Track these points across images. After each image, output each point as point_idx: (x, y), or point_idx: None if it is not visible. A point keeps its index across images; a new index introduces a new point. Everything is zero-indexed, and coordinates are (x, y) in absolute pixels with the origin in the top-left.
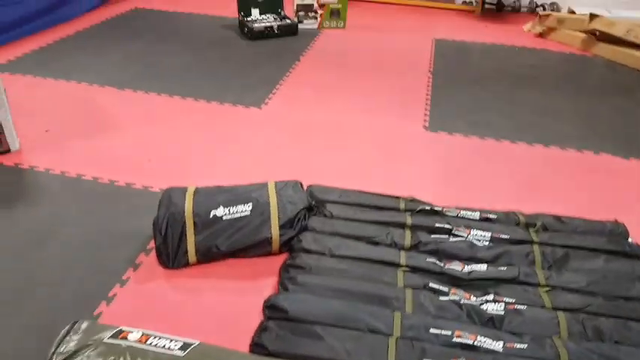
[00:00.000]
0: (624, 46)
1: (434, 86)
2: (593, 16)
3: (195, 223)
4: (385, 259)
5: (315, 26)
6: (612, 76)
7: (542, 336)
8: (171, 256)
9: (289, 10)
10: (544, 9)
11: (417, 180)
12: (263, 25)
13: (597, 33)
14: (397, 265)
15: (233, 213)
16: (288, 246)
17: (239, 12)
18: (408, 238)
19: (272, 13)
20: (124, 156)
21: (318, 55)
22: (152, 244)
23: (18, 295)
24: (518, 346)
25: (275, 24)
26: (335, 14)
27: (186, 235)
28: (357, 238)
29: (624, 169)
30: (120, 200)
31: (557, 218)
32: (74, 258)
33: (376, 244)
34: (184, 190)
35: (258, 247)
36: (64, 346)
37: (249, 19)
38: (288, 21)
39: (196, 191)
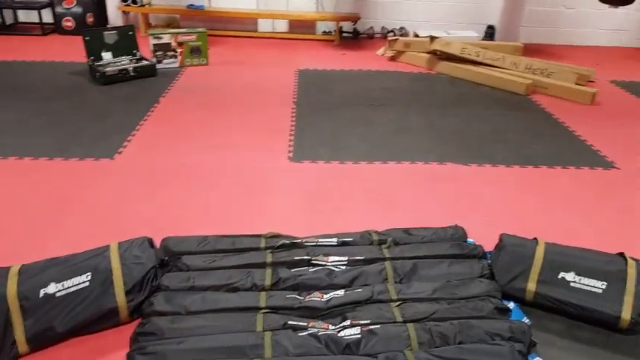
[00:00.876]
0: (461, 63)
1: (298, 116)
2: (433, 38)
3: (22, 307)
4: (244, 306)
5: (176, 65)
6: (453, 90)
7: (395, 351)
8: None
9: (146, 50)
10: (394, 34)
11: (282, 213)
12: (117, 68)
13: (438, 53)
14: (257, 309)
15: (68, 287)
16: (139, 312)
17: (88, 56)
18: (268, 277)
19: (126, 55)
20: None
21: (179, 95)
22: None
23: None
24: None
25: (130, 66)
26: (196, 51)
27: (12, 323)
28: (217, 288)
29: (465, 175)
30: None
31: (406, 231)
32: None
33: (236, 289)
34: (6, 271)
35: (104, 320)
36: None
37: (100, 63)
38: (144, 62)
39: (22, 270)
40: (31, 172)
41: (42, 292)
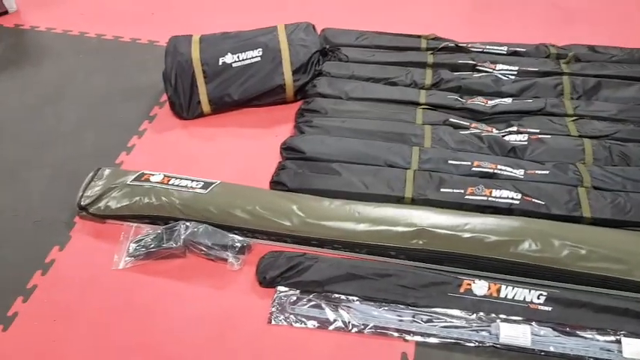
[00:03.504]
0: None
1: None
2: None
3: (204, 71)
4: (404, 99)
5: None
6: None
7: (565, 162)
8: (184, 106)
9: None
10: None
11: (441, 17)
12: None
13: None
14: (416, 104)
15: (242, 60)
16: (302, 92)
17: None
18: (429, 77)
19: None
20: (126, 10)
21: None
22: (165, 97)
23: (39, 150)
24: (540, 172)
25: None
26: None
27: (197, 84)
28: (375, 80)
29: None
30: (127, 56)
31: (592, 48)
32: (89, 113)
33: (395, 84)
34: (189, 38)
35: (272, 94)
36: (90, 191)
37: None
38: None
39: (202, 39)
40: None
41: (221, 61)
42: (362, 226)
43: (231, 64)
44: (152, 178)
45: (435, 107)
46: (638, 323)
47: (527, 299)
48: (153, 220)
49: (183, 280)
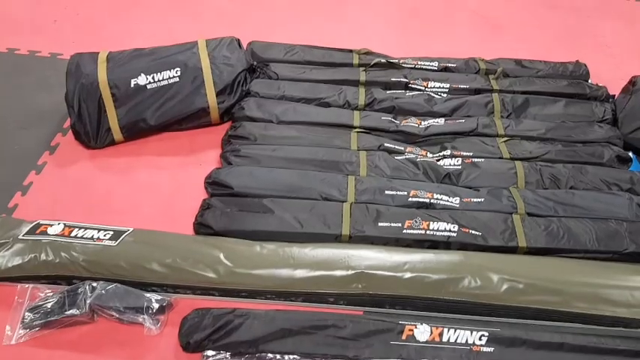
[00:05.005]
0: None
1: None
2: None
3: (113, 95)
4: (337, 122)
5: None
6: None
7: (499, 187)
8: (91, 135)
9: None
10: None
11: (371, 28)
12: None
13: None
14: (351, 127)
15: (158, 81)
16: (229, 115)
17: None
18: (362, 97)
19: None
20: (22, 17)
21: None
22: (70, 122)
23: None
24: (475, 200)
25: None
26: None
27: (105, 109)
28: (307, 101)
29: (590, 5)
30: (24, 73)
31: (519, 62)
32: None
33: (328, 105)
34: (94, 56)
35: (194, 118)
36: None
37: None
38: None
39: (110, 57)
40: None
41: (132, 82)
42: (298, 273)
43: (145, 85)
44: (50, 230)
45: (369, 130)
46: (575, 358)
47: (470, 341)
48: (53, 279)
49: (92, 352)
